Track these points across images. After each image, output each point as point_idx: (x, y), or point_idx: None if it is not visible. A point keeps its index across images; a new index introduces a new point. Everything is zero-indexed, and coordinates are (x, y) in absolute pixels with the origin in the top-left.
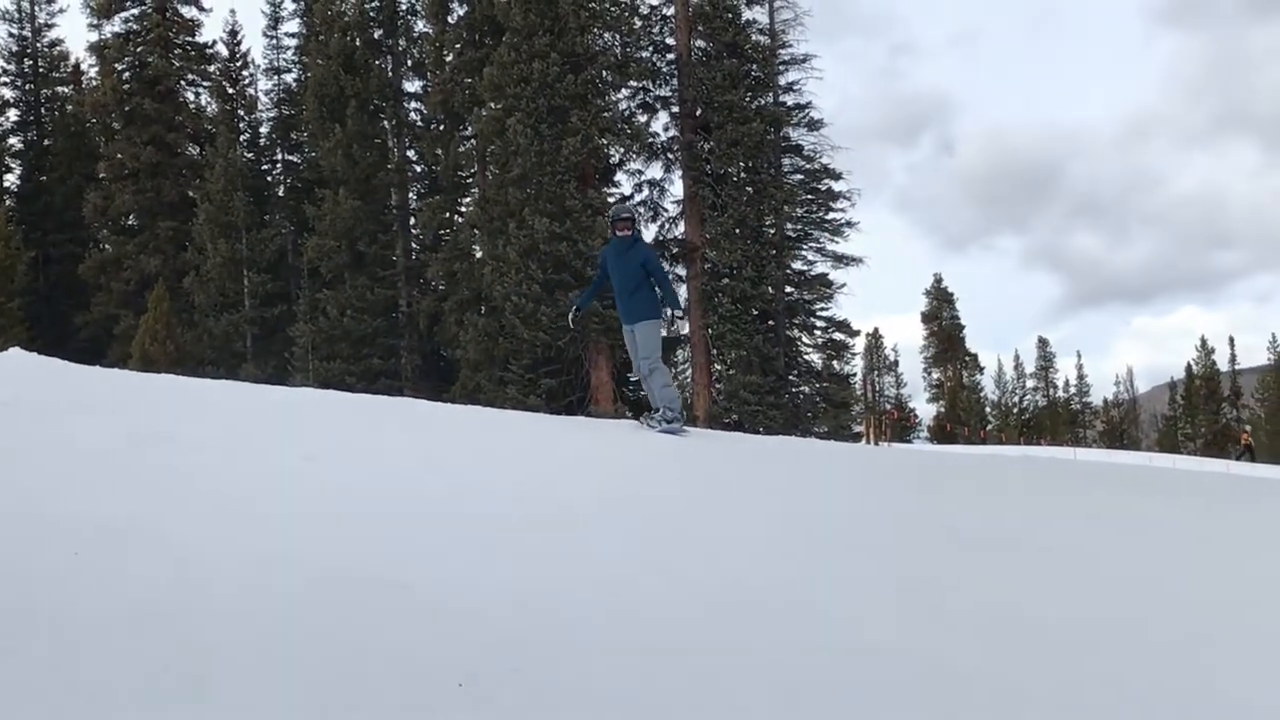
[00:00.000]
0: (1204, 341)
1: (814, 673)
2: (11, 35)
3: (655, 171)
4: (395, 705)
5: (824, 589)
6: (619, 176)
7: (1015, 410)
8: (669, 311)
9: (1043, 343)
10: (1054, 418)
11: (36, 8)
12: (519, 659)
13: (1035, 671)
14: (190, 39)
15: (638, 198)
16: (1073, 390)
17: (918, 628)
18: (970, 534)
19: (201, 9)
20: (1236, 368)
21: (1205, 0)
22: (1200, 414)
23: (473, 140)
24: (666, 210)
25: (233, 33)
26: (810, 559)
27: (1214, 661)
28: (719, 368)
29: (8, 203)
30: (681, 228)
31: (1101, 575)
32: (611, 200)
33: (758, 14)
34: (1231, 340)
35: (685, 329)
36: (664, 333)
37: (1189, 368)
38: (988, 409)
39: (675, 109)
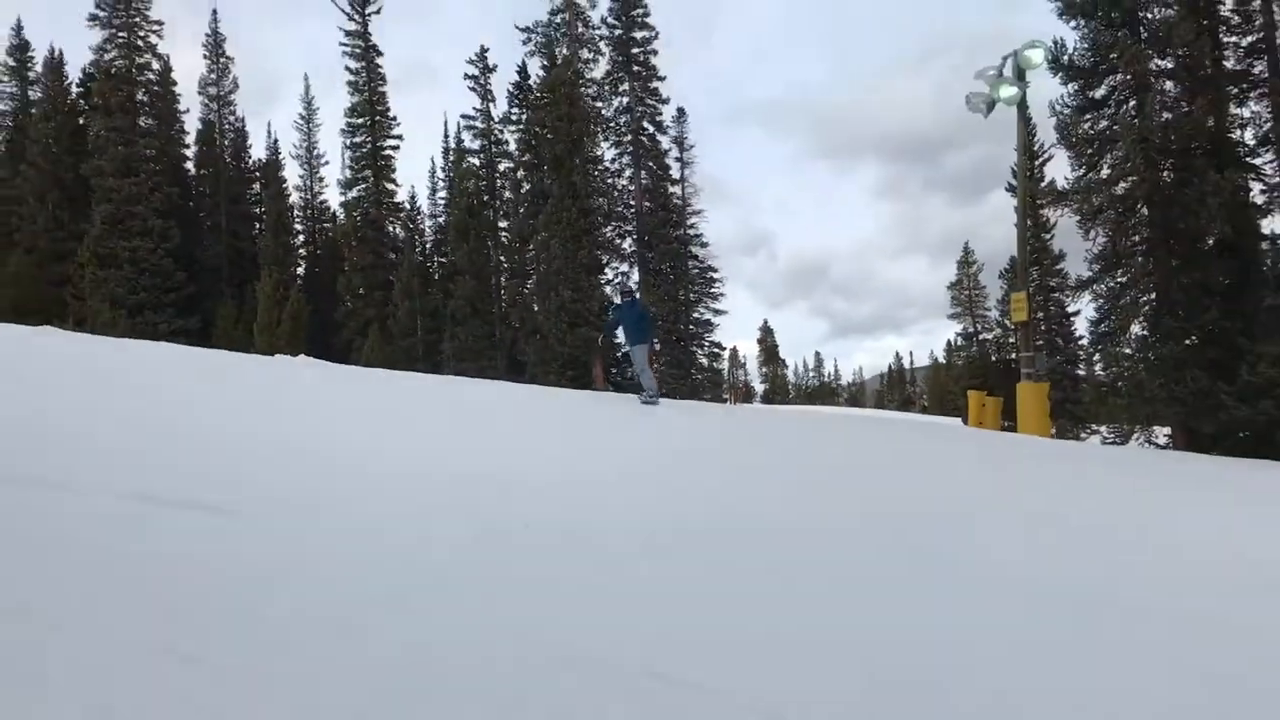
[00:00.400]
0: (897, 354)
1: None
2: (303, 199)
3: (624, 267)
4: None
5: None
6: (607, 271)
7: (805, 388)
8: (654, 341)
9: (818, 355)
10: (823, 391)
11: (314, 183)
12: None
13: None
14: (391, 199)
15: (615, 281)
16: (832, 378)
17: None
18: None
19: (396, 185)
20: (914, 366)
21: (901, 181)
22: (895, 389)
23: (532, 250)
24: (632, 289)
25: (412, 196)
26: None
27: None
28: (657, 365)
29: (299, 280)
30: (638, 296)
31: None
32: (605, 283)
33: (676, 189)
34: (911, 352)
35: (657, 346)
36: (657, 349)
37: (889, 367)
38: (790, 387)
39: (634, 236)
